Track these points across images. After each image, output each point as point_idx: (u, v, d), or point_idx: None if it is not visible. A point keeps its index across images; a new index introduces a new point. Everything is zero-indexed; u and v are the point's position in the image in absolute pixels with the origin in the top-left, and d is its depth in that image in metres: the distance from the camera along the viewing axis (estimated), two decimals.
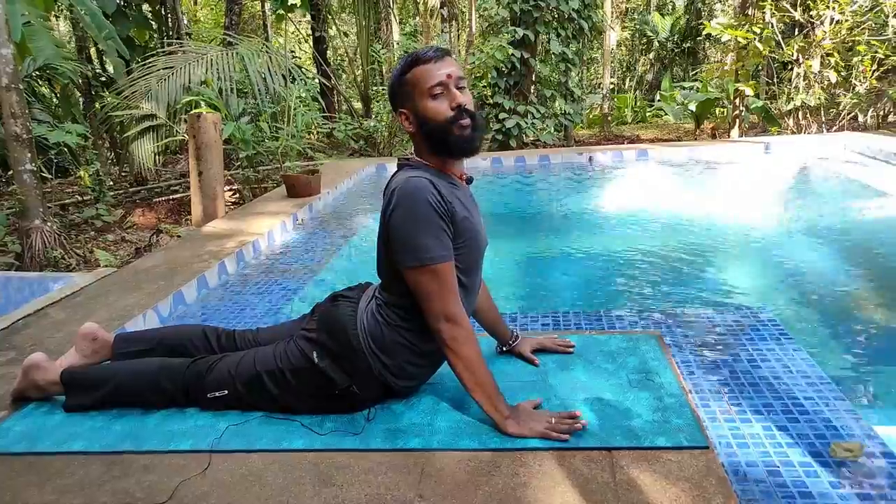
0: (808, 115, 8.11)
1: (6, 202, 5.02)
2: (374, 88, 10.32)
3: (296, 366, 1.72)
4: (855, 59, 7.50)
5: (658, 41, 17.56)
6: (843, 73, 7.62)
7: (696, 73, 15.08)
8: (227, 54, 6.65)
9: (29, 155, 4.44)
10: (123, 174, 7.86)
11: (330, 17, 13.19)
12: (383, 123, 8.46)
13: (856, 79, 7.73)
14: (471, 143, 1.66)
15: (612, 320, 2.44)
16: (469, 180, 1.79)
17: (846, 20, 7.44)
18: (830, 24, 7.56)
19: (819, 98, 7.73)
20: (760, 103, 8.81)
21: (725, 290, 3.17)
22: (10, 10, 4.62)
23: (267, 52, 7.08)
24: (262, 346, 1.87)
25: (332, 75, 11.69)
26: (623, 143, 9.87)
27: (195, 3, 16.68)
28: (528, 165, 6.52)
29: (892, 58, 7.17)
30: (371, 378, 1.70)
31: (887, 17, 7.31)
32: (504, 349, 2.06)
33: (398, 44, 9.10)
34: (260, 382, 1.75)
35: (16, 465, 1.62)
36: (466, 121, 1.63)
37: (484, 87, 8.51)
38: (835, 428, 1.65)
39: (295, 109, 5.97)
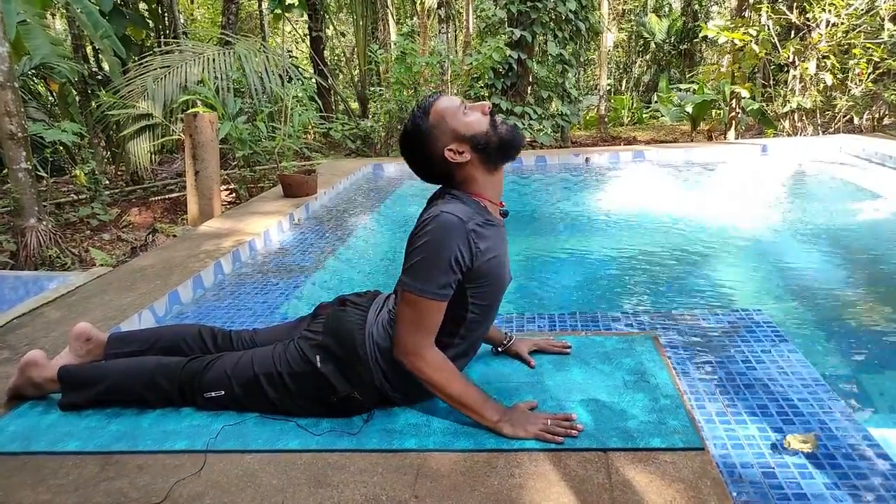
0: (803, 118, 8.14)
1: (1, 201, 4.99)
2: (371, 88, 10.31)
3: (295, 369, 1.71)
4: (851, 62, 7.53)
5: (655, 43, 17.61)
6: (838, 76, 7.65)
7: (693, 75, 15.11)
8: (223, 53, 6.64)
9: (24, 153, 4.42)
10: (119, 173, 7.84)
11: (327, 16, 13.19)
12: (380, 123, 8.46)
13: (851, 81, 7.76)
14: (518, 132, 1.72)
15: (607, 321, 2.44)
16: (505, 213, 1.80)
17: (842, 23, 7.47)
18: (826, 26, 7.58)
19: (815, 100, 7.76)
20: (756, 105, 8.83)
21: (721, 291, 3.18)
22: (5, 8, 4.60)
23: (264, 51, 7.08)
24: (260, 347, 1.86)
25: (329, 75, 11.69)
26: (619, 145, 9.90)
27: (192, 1, 16.65)
28: (525, 166, 6.53)
29: (887, 61, 7.20)
30: (372, 388, 1.70)
31: (883, 20, 7.34)
32: (499, 350, 2.07)
33: (395, 44, 9.10)
34: (257, 385, 1.74)
35: (10, 465, 1.62)
36: (499, 117, 1.69)
37: (481, 87, 8.51)
38: (829, 429, 1.65)
39: (292, 109, 5.96)
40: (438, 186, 1.78)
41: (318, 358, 1.69)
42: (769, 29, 8.03)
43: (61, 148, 6.40)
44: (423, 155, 1.69)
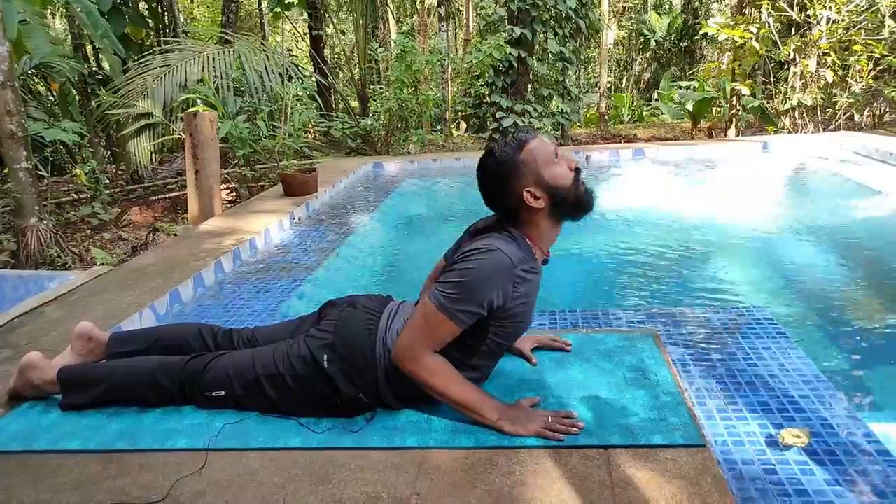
0: (804, 115, 8.13)
1: (1, 200, 5.00)
2: (372, 87, 10.30)
3: (298, 371, 1.70)
4: (851, 59, 7.53)
5: (655, 40, 17.59)
6: (839, 73, 7.64)
7: (693, 73, 15.10)
8: (223, 52, 6.64)
9: (24, 153, 4.42)
10: (120, 172, 7.83)
11: (327, 15, 13.17)
12: (381, 122, 8.45)
13: (852, 78, 7.75)
14: (595, 197, 1.74)
15: (608, 319, 2.44)
16: (545, 262, 1.82)
17: (843, 20, 7.46)
18: (827, 23, 7.57)
19: (815, 97, 7.75)
20: (757, 103, 8.83)
21: (722, 288, 3.18)
22: (5, 7, 4.59)
23: (264, 50, 7.07)
24: (261, 347, 1.85)
25: (329, 74, 11.67)
26: (620, 142, 9.89)
27: (192, 0, 16.65)
28: None
29: (888, 57, 7.19)
30: (375, 393, 1.71)
31: (884, 16, 7.33)
32: None
33: (395, 42, 9.09)
34: (259, 387, 1.73)
35: (11, 464, 1.62)
36: (580, 178, 1.71)
37: (481, 85, 8.51)
38: (830, 425, 1.65)
39: (292, 108, 5.96)
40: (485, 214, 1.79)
41: (325, 358, 1.69)
42: (770, 26, 8.02)
43: (62, 147, 6.40)
44: (500, 185, 1.68)
